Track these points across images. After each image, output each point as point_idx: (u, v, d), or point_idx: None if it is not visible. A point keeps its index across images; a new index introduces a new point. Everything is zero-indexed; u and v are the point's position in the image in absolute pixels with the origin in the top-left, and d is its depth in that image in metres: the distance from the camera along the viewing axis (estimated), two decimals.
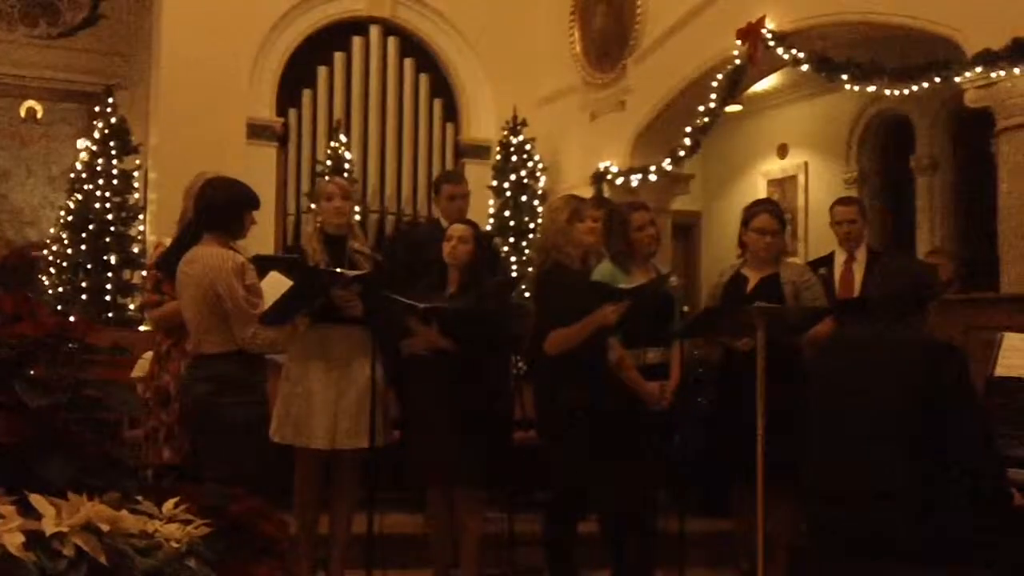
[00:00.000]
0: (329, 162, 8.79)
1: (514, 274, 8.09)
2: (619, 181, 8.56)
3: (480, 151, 9.83)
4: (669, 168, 8.30)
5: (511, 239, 8.77)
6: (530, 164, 9.02)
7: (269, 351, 3.65)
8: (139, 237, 8.63)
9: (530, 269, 6.00)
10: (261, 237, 7.25)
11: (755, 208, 4.37)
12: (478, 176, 8.41)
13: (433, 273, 4.31)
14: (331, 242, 4.23)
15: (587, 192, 8.08)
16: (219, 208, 3.62)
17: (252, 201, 3.69)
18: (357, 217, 8.75)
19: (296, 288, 3.63)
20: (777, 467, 3.71)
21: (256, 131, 9.22)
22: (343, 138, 8.96)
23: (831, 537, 2.87)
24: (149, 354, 4.33)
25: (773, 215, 4.29)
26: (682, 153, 8.11)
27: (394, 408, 4.36)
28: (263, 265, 3.74)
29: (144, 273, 6.37)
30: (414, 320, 4.12)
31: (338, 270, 3.96)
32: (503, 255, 8.03)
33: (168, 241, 4.18)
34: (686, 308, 4.72)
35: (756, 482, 3.70)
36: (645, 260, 4.30)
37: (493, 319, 4.15)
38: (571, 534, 4.13)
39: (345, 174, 8.58)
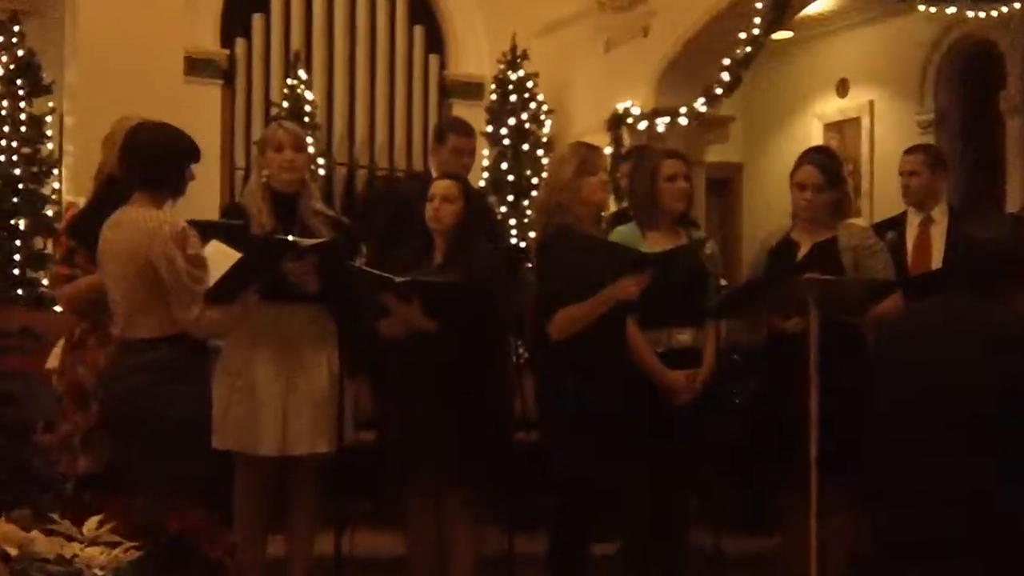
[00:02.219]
0: (286, 104, 8.78)
1: (513, 240, 8.10)
2: (641, 126, 8.54)
3: (471, 90, 9.81)
4: (703, 110, 8.28)
5: (509, 197, 8.78)
6: (532, 106, 9.01)
7: (218, 335, 3.65)
8: (54, 196, 8.61)
9: (532, 234, 6.01)
10: (203, 197, 7.23)
11: (800, 159, 4.38)
12: (469, 119, 8.39)
13: (416, 240, 4.32)
14: (280, 202, 4.22)
15: (602, 140, 8.08)
16: (150, 160, 3.62)
17: (191, 151, 3.68)
18: (321, 172, 8.87)
19: (244, 261, 3.63)
20: (832, 468, 3.73)
21: (196, 66, 9.19)
22: (303, 74, 8.95)
23: (897, 545, 2.89)
24: (62, 341, 4.32)
25: (817, 166, 4.29)
26: (719, 91, 8.08)
27: (366, 403, 4.38)
28: (200, 232, 3.72)
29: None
30: (390, 297, 4.13)
31: (290, 238, 3.97)
32: (499, 217, 8.02)
33: (82, 202, 4.17)
34: (723, 281, 4.72)
35: (807, 486, 3.72)
36: (674, 221, 4.32)
37: (487, 295, 4.15)
38: (582, 554, 4.16)
39: (305, 118, 8.56)
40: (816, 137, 9.60)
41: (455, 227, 4.24)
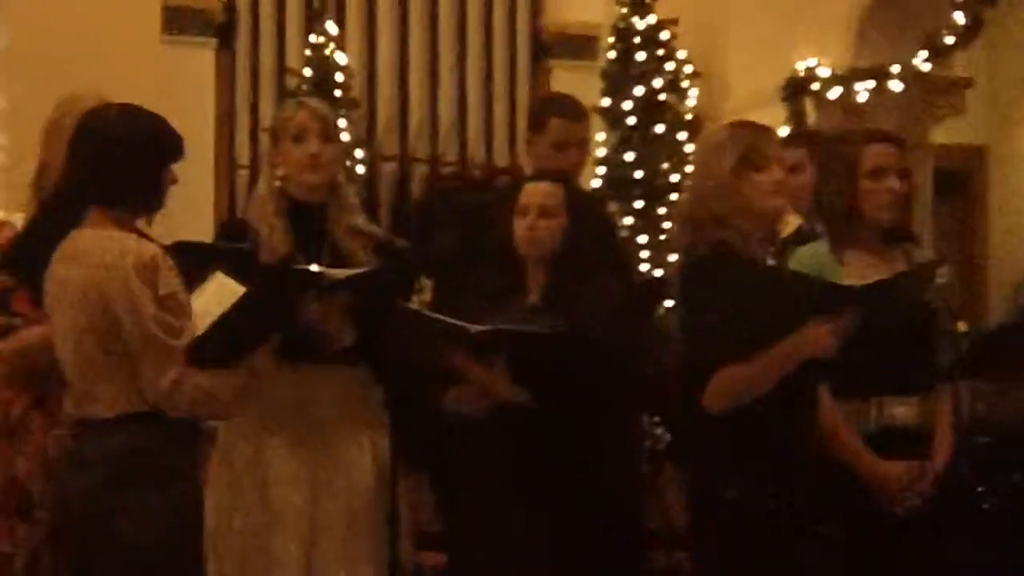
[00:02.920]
0: (308, 71, 8.87)
1: (644, 267, 8.06)
2: (832, 94, 8.50)
3: (578, 46, 9.83)
4: (926, 69, 8.24)
5: (637, 204, 8.73)
6: (669, 68, 8.97)
7: (204, 414, 3.68)
8: None
9: (672, 258, 5.96)
10: (190, 209, 7.31)
11: None
12: (576, 90, 8.37)
13: (500, 271, 4.37)
14: (301, 215, 4.28)
15: (774, 117, 8.02)
16: (111, 159, 3.65)
17: (171, 145, 3.72)
18: (360, 170, 8.94)
19: (247, 301, 3.65)
20: None
21: (179, 20, 9.30)
22: (332, 28, 9.04)
23: None
24: None
25: None
26: (949, 41, 8.03)
27: (428, 511, 4.40)
28: (192, 260, 3.78)
29: None
30: (463, 354, 4.15)
31: (315, 268, 4.01)
32: (623, 233, 8.00)
33: (19, 220, 4.23)
34: (962, 325, 4.64)
35: None
36: (883, 236, 4.29)
37: (605, 350, 4.16)
38: None
39: (336, 93, 8.63)
40: None
41: (558, 253, 4.27)
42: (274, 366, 3.83)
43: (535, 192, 4.34)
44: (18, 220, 4.26)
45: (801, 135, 6.33)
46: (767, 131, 4.31)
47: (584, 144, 5.10)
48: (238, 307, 3.63)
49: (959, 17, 7.96)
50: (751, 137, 4.17)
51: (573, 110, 5.14)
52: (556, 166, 4.84)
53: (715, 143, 4.26)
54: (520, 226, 4.29)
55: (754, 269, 4.06)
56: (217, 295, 3.69)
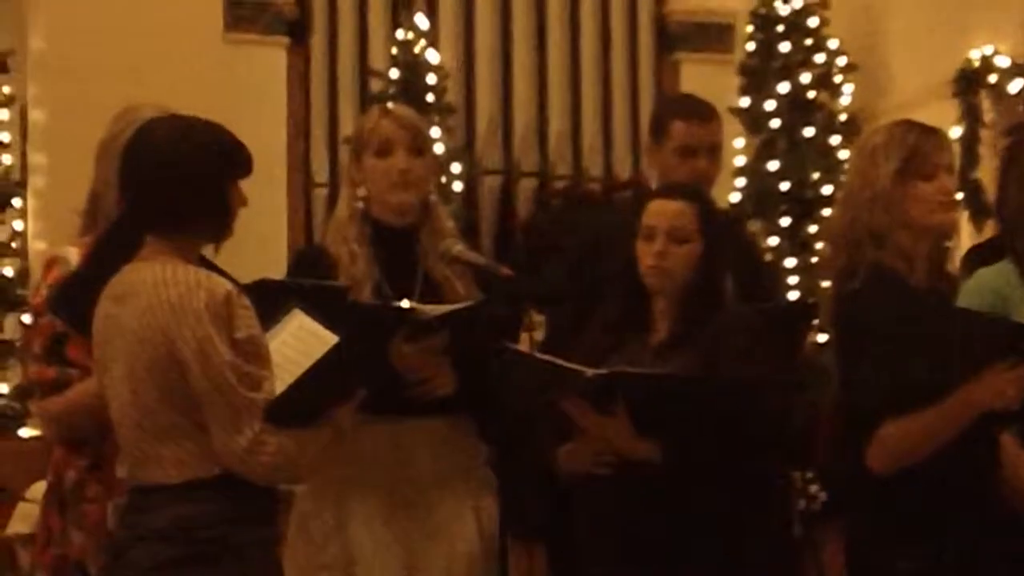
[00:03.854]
0: (395, 73, 8.94)
1: (792, 295, 8.04)
2: (1015, 86, 8.46)
3: (711, 36, 9.91)
4: None
5: (783, 221, 8.72)
6: (819, 60, 8.96)
7: (283, 479, 3.71)
8: (14, 244, 8.93)
9: (825, 284, 5.94)
10: (259, 233, 7.33)
11: None
12: (709, 88, 8.38)
13: (620, 303, 4.38)
14: (388, 240, 4.32)
15: (943, 115, 7.96)
16: (168, 180, 3.67)
17: (238, 161, 3.75)
18: (457, 187, 8.96)
19: (341, 352, 3.66)
20: None
21: (244, 14, 9.47)
22: (422, 22, 9.11)
23: None
24: (39, 489, 4.42)
25: None
26: None
27: None
28: (273, 301, 3.79)
29: (25, 320, 6.60)
30: (580, 403, 4.15)
31: (404, 304, 4.05)
32: (766, 254, 7.99)
33: (73, 254, 4.28)
34: None
35: None
36: None
37: (744, 396, 4.16)
38: None
39: (429, 97, 8.70)
40: None
41: (688, 284, 4.27)
42: (360, 420, 3.84)
43: (663, 212, 4.32)
44: (72, 255, 4.27)
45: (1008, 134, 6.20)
46: (935, 132, 4.29)
47: (714, 151, 5.07)
48: (327, 360, 3.63)
49: None
50: (916, 139, 4.16)
51: (698, 110, 5.13)
52: (681, 176, 4.85)
53: (873, 147, 4.25)
54: (646, 253, 4.28)
55: (920, 301, 4.05)
56: (296, 337, 3.69)
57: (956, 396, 3.89)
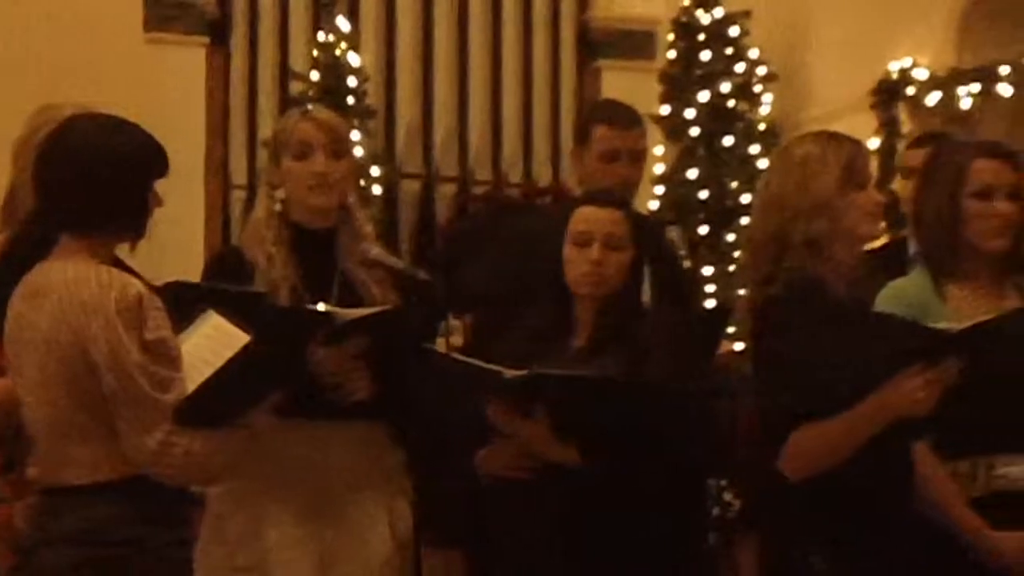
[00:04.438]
0: (315, 75, 8.93)
1: (709, 303, 8.06)
2: (931, 99, 8.50)
3: (632, 42, 9.89)
4: None
5: (701, 229, 8.75)
6: (739, 70, 9.00)
7: (196, 480, 3.70)
8: None
9: (740, 292, 5.95)
10: (176, 235, 7.28)
11: None
12: (630, 96, 8.37)
13: (542, 308, 4.38)
14: (307, 244, 4.32)
15: (862, 126, 8.01)
16: (85, 179, 3.66)
17: (154, 161, 3.74)
18: (376, 191, 8.95)
19: (252, 353, 3.64)
20: None
21: (164, 13, 9.37)
22: (343, 24, 9.10)
23: None
24: None
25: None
26: None
27: None
28: (188, 303, 3.76)
29: None
30: (499, 406, 4.14)
31: (322, 307, 4.03)
32: (684, 264, 8.00)
33: None
34: None
35: None
36: (995, 267, 4.29)
37: (665, 401, 4.15)
38: None
39: (349, 99, 8.68)
40: None
41: (614, 289, 4.28)
42: (276, 423, 3.83)
43: (598, 219, 4.32)
44: None
45: (932, 136, 6.22)
46: (862, 144, 4.32)
47: (637, 156, 5.11)
48: (238, 360, 3.62)
49: None
50: (851, 150, 4.18)
51: (622, 116, 5.15)
52: (604, 182, 4.87)
53: (806, 156, 4.24)
54: (579, 260, 4.28)
55: (837, 307, 4.04)
56: (209, 338, 3.67)
57: (869, 401, 3.90)
